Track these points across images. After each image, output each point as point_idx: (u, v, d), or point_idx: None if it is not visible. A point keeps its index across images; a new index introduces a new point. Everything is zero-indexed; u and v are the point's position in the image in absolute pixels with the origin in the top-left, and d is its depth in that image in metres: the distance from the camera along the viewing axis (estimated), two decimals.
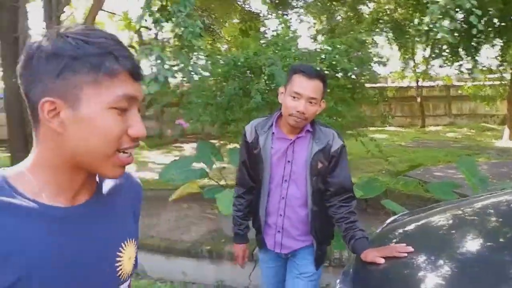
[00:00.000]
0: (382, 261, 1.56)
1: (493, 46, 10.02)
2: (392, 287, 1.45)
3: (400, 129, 14.84)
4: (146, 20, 4.39)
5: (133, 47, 14.36)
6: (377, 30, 10.47)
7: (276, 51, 4.17)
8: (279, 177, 1.91)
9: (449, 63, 11.58)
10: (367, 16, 10.82)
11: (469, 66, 11.11)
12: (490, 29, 7.62)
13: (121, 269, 0.83)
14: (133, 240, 0.88)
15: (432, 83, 15.90)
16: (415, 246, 1.54)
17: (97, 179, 0.84)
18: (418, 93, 15.67)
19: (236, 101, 4.25)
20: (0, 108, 14.44)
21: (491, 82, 13.76)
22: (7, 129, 7.35)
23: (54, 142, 0.73)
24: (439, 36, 5.72)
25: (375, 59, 5.50)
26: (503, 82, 12.68)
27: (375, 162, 8.00)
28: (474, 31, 5.14)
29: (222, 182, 4.45)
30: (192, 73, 4.34)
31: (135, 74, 0.74)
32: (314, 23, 13.34)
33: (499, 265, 1.37)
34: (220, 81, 4.34)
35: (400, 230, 1.86)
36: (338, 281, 1.70)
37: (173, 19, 4.06)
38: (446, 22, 4.64)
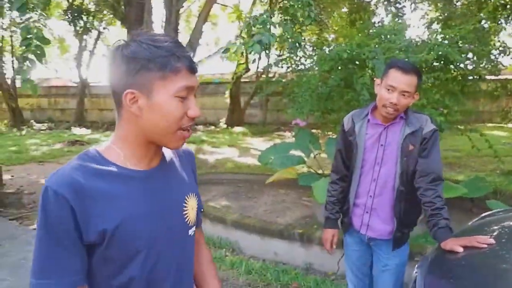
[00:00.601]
0: (461, 250, 1.59)
1: None
2: (468, 276, 1.45)
3: None
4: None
5: (243, 37, 15.01)
6: (501, 16, 9.42)
7: (381, 43, 4.09)
8: (372, 160, 2.03)
9: None
10: (489, 2, 9.78)
11: None
12: None
13: (187, 217, 1.08)
14: (194, 194, 1.12)
15: None
16: (500, 240, 1.50)
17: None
18: None
19: (337, 91, 4.29)
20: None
21: None
22: None
23: (133, 123, 0.97)
24: None
25: (496, 50, 5.03)
26: None
27: (487, 161, 7.37)
28: None
29: (319, 171, 4.55)
30: (298, 50, 4.45)
31: (192, 69, 0.96)
32: (429, 10, 12.50)
33: None
34: (324, 72, 4.40)
35: (492, 225, 1.82)
36: (416, 266, 1.74)
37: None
38: None
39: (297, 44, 4.68)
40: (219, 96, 15.81)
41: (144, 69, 0.92)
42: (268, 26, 3.86)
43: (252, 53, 3.67)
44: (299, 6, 4.32)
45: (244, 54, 14.38)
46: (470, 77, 4.60)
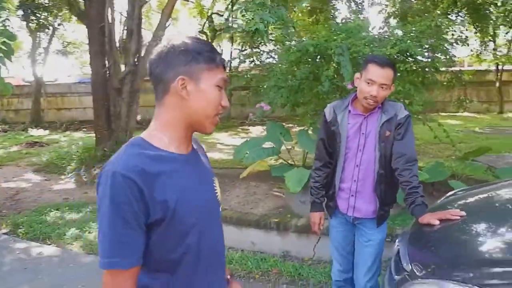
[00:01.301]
0: (437, 222, 1.81)
1: None
2: (441, 246, 1.63)
3: (475, 115, 14.11)
4: None
5: (204, 33, 15.00)
6: (453, 13, 9.96)
7: (347, 38, 4.27)
8: (355, 147, 2.21)
9: None
10: None
11: None
12: None
13: (217, 195, 1.23)
14: (215, 177, 1.27)
15: None
16: (469, 215, 1.70)
17: None
18: (497, 78, 14.70)
19: (306, 84, 4.44)
20: (83, 92, 15.85)
21: None
22: (93, 110, 8.16)
23: (178, 108, 1.10)
24: None
25: (452, 40, 5.36)
26: None
27: (444, 148, 7.81)
28: None
29: (290, 162, 4.70)
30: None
31: (225, 65, 1.16)
32: (386, 5, 12.95)
33: None
34: (292, 65, 4.54)
35: (458, 201, 2.07)
36: (397, 240, 1.91)
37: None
38: None
39: (292, 28, 4.74)
40: None
41: (194, 61, 1.08)
42: (266, 9, 3.91)
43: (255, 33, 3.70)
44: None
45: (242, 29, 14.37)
46: (427, 70, 4.89)
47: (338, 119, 2.23)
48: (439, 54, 4.92)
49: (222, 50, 15.67)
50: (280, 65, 4.87)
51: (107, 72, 7.49)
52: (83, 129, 14.26)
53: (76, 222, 4.76)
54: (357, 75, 2.20)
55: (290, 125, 8.39)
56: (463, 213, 1.81)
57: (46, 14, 14.28)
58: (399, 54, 4.18)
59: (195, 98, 1.09)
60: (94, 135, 8.24)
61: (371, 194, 2.22)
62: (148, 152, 1.06)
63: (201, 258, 1.12)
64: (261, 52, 5.28)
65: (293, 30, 4.28)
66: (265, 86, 4.49)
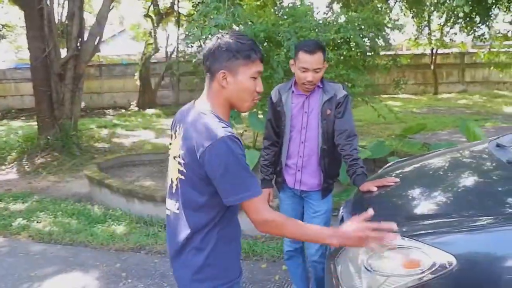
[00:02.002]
0: (375, 189, 2.06)
1: (507, 11, 9.91)
2: (376, 207, 1.87)
3: (413, 96, 14.97)
4: None
5: (149, 16, 14.61)
6: None
7: (293, 23, 4.41)
8: (299, 125, 2.38)
9: (464, 30, 11.51)
10: None
11: (485, 32, 11.04)
12: None
13: None
14: None
15: (447, 51, 15.79)
16: (402, 181, 1.94)
17: None
18: (432, 61, 15.64)
19: None
20: (20, 78, 14.95)
21: (506, 49, 13.65)
22: (34, 97, 7.77)
23: (221, 93, 1.42)
24: (454, 4, 5.79)
25: (389, 25, 5.67)
26: None
27: (385, 128, 8.31)
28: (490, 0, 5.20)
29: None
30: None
31: (262, 59, 1.44)
32: None
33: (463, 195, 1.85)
34: None
35: (394, 171, 2.36)
36: (341, 207, 2.12)
37: None
38: None
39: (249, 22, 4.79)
40: (128, 78, 15.18)
41: (233, 58, 1.38)
42: (222, 10, 4.04)
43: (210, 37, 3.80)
44: None
45: (154, 33, 14.01)
46: (369, 54, 5.18)
47: (283, 100, 2.40)
48: (380, 39, 5.22)
49: (168, 34, 15.34)
50: None
51: (47, 57, 7.14)
52: (22, 118, 13.49)
53: (22, 212, 4.61)
54: (291, 62, 2.37)
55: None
56: (397, 179, 2.07)
57: None
58: (342, 40, 4.39)
59: (233, 87, 1.40)
60: (34, 123, 7.88)
61: (315, 168, 2.40)
62: (224, 122, 1.38)
63: None
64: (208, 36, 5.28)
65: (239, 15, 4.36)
66: None
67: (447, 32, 13.34)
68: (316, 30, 4.32)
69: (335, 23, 4.49)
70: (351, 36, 4.15)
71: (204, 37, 4.64)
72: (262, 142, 2.62)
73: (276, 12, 4.84)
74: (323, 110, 2.31)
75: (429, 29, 14.63)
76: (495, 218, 1.50)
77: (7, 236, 4.04)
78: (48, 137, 7.11)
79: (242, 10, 4.38)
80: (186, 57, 12.77)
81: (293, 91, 2.39)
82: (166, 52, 15.11)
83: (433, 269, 1.37)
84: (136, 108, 13.86)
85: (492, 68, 14.49)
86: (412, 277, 1.39)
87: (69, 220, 4.33)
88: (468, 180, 1.95)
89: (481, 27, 10.36)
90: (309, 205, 2.48)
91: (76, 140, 7.47)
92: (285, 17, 4.44)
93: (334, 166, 2.45)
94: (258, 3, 6.07)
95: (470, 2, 5.12)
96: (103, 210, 4.59)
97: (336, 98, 2.31)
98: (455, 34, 12.88)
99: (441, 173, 2.19)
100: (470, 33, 10.97)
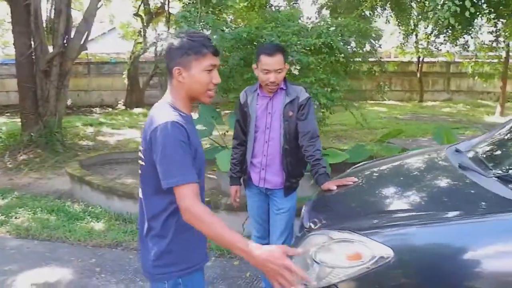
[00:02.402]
0: (334, 187, 2.21)
1: (489, 21, 10.13)
2: (333, 206, 1.97)
3: (399, 103, 15.19)
4: None
5: (139, 16, 14.59)
6: (379, 6, 10.64)
7: (276, 27, 4.50)
8: (263, 125, 2.50)
9: (449, 40, 11.73)
10: None
11: (470, 43, 11.27)
12: (485, 3, 7.74)
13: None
14: None
15: (433, 60, 16.07)
16: (363, 181, 2.04)
17: None
18: (418, 69, 15.90)
19: (237, 70, 4.62)
20: (6, 74, 14.80)
21: (490, 60, 13.95)
22: (19, 93, 7.73)
23: (180, 87, 1.52)
24: (439, 15, 5.91)
25: (372, 33, 5.78)
26: (500, 60, 12.90)
27: (368, 133, 8.43)
28: (468, 4, 5.32)
29: (223, 145, 4.87)
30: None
31: (215, 53, 1.52)
32: None
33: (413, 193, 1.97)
34: (225, 51, 4.68)
35: (360, 172, 2.48)
36: (304, 206, 2.21)
37: None
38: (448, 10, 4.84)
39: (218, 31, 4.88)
40: (116, 76, 15.15)
41: (185, 54, 1.49)
42: (189, 19, 4.20)
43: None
44: None
45: (143, 34, 13.99)
46: (352, 60, 5.29)
47: (249, 101, 2.52)
48: (364, 45, 5.32)
49: (158, 34, 15.32)
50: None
51: (33, 53, 7.13)
52: (6, 114, 13.36)
53: (1, 208, 4.60)
54: (254, 66, 2.50)
55: (227, 111, 8.57)
56: (355, 179, 2.21)
57: None
58: (324, 45, 4.48)
59: (188, 81, 1.50)
60: (18, 120, 7.84)
61: (279, 167, 2.50)
62: (179, 113, 1.49)
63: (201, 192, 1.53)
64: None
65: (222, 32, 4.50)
66: None
67: (433, 42, 13.58)
68: (299, 34, 4.41)
69: (318, 27, 4.58)
70: (332, 42, 4.24)
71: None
72: (232, 142, 2.74)
73: (260, 16, 4.92)
74: (285, 112, 2.42)
75: (416, 37, 14.89)
76: (429, 216, 1.61)
77: None
78: (32, 134, 7.09)
79: (213, 19, 4.50)
80: None
81: (258, 93, 2.51)
82: (155, 52, 15.10)
83: (373, 260, 1.47)
84: (124, 107, 13.83)
85: (476, 78, 14.78)
86: (354, 268, 1.49)
87: (48, 216, 4.34)
88: (416, 182, 2.08)
89: (464, 37, 10.57)
90: (273, 202, 2.58)
91: (60, 137, 7.45)
92: (270, 21, 4.52)
93: (297, 166, 2.54)
94: (246, 3, 6.15)
95: (454, 14, 5.23)
96: (83, 207, 4.61)
97: (299, 101, 2.42)
98: (441, 43, 13.11)
99: (396, 174, 2.33)
100: (453, 43, 11.18)
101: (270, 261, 1.24)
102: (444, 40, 11.84)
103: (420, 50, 14.68)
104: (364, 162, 2.84)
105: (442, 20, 5.51)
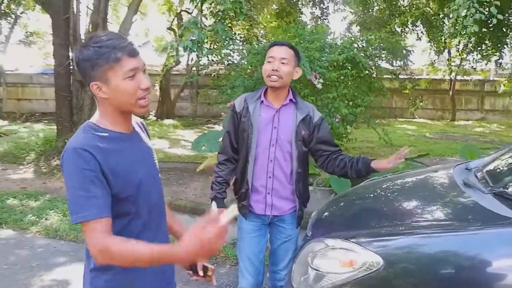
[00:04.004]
0: (390, 165, 2.04)
1: None
2: (332, 219, 2.04)
3: (429, 121, 14.91)
4: None
5: (172, 29, 15.07)
6: (409, 23, 10.61)
7: (301, 43, 4.60)
8: (267, 141, 2.15)
9: (482, 56, 11.49)
10: (402, 8, 10.90)
11: (504, 61, 11.01)
12: None
13: (157, 165, 1.46)
14: (153, 151, 1.50)
15: (466, 78, 15.76)
16: (367, 194, 2.10)
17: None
18: (450, 87, 15.62)
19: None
20: (46, 83, 15.54)
21: None
22: (56, 101, 8.13)
23: (106, 102, 1.30)
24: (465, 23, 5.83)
25: (403, 50, 5.79)
26: None
27: (395, 151, 8.25)
28: (495, 21, 5.22)
29: None
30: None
31: (132, 53, 1.25)
32: (351, 12, 13.50)
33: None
34: (252, 65, 4.81)
35: (368, 186, 2.58)
36: (310, 218, 2.27)
37: None
38: (472, 17, 4.73)
39: (228, 39, 5.06)
40: None
41: (96, 66, 1.24)
42: (199, 25, 4.25)
43: (188, 49, 4.00)
44: (230, 3, 4.71)
45: (177, 50, 14.43)
46: (377, 76, 5.32)
47: (250, 110, 2.16)
48: (397, 62, 5.34)
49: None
50: (245, 62, 5.14)
51: (71, 64, 7.51)
52: (44, 121, 14.02)
53: (33, 209, 4.85)
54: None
55: None
56: (408, 149, 2.08)
57: (8, 1, 13.94)
58: (347, 61, 4.55)
59: (112, 95, 1.26)
60: (55, 127, 8.23)
61: (288, 191, 2.19)
62: (99, 133, 1.28)
63: (148, 217, 1.36)
64: (232, 52, 5.48)
65: (230, 40, 4.64)
66: (231, 86, 4.74)
67: (465, 58, 13.34)
68: (322, 50, 4.49)
69: (341, 45, 4.65)
70: (355, 57, 4.30)
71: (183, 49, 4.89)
72: (217, 156, 2.34)
73: (286, 32, 5.04)
74: (298, 130, 2.14)
75: (449, 54, 14.67)
76: (419, 227, 1.69)
77: (16, 230, 4.27)
78: (66, 141, 7.40)
79: (223, 28, 4.60)
80: (205, 70, 13.13)
81: (262, 101, 2.17)
82: (187, 65, 15.51)
83: (364, 267, 1.53)
84: (155, 118, 14.23)
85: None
86: (347, 274, 1.55)
87: None
88: (416, 196, 2.14)
89: (497, 54, 10.34)
90: (279, 230, 2.26)
91: None
92: (293, 36, 4.63)
93: (307, 190, 2.29)
94: (273, 24, 6.30)
95: (479, 21, 5.12)
96: None
97: (313, 121, 2.17)
98: (476, 61, 12.85)
99: (398, 189, 2.38)
100: (486, 59, 10.96)
101: (198, 245, 1.12)
102: (477, 55, 11.61)
103: (452, 68, 14.46)
104: (375, 177, 2.87)
105: (466, 28, 5.39)
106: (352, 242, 1.60)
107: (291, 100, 2.19)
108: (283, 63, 2.10)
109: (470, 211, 1.79)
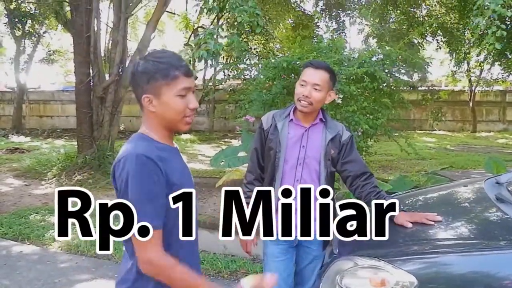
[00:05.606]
0: (411, 225, 1.85)
1: None
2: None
3: (449, 133, 14.66)
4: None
5: (190, 45, 15.29)
6: (428, 35, 10.52)
7: (318, 57, 4.58)
8: (294, 160, 2.10)
9: (504, 69, 11.31)
10: (420, 19, 10.83)
11: None
12: None
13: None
14: None
15: (487, 88, 15.49)
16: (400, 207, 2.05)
17: None
18: (471, 98, 15.37)
19: (280, 98, 4.72)
20: (66, 100, 15.90)
21: None
22: (76, 118, 8.29)
23: (153, 116, 1.34)
24: (485, 41, 5.77)
25: (421, 62, 5.72)
26: None
27: (415, 163, 8.20)
28: None
29: None
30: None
31: (188, 73, 1.32)
32: (367, 25, 13.49)
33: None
34: (269, 80, 4.81)
35: (401, 199, 2.40)
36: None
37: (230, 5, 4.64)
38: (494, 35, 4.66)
39: (243, 52, 5.08)
40: None
41: (152, 79, 1.30)
42: (215, 36, 4.27)
43: (202, 59, 4.03)
44: (247, 15, 4.76)
45: (192, 61, 14.63)
46: (396, 88, 5.25)
47: (278, 127, 2.12)
48: (413, 73, 5.26)
49: (206, 63, 15.95)
50: (262, 77, 5.15)
51: (91, 81, 7.66)
52: (65, 137, 14.30)
53: (54, 226, 4.89)
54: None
55: None
56: (440, 218, 1.87)
57: (32, 21, 14.39)
58: (366, 74, 4.50)
59: (160, 110, 1.31)
60: (76, 143, 8.36)
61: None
62: (153, 143, 1.32)
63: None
64: (249, 67, 5.49)
65: (244, 52, 4.66)
66: (249, 100, 4.75)
67: (483, 69, 13.13)
68: (341, 64, 4.46)
69: (359, 58, 4.61)
70: (374, 71, 4.25)
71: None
72: (245, 175, 2.28)
73: (302, 46, 5.04)
74: (328, 150, 2.08)
75: (468, 65, 14.47)
76: (453, 246, 1.61)
77: (38, 246, 4.31)
78: (86, 156, 7.53)
79: (239, 40, 4.61)
80: (222, 85, 13.25)
81: (291, 119, 2.13)
82: (204, 80, 15.68)
83: (397, 287, 1.46)
84: None
85: None
86: None
87: None
88: (447, 212, 2.03)
89: None
90: (306, 251, 2.19)
91: (112, 160, 7.83)
92: (311, 50, 4.61)
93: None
94: (294, 36, 6.31)
95: (501, 39, 5.05)
96: None
97: (342, 139, 2.11)
98: (498, 73, 12.63)
99: (429, 205, 2.30)
100: (508, 72, 10.76)
101: None
102: (499, 65, 11.42)
103: (472, 79, 14.25)
104: (403, 191, 2.79)
105: (489, 47, 5.30)
106: (383, 260, 1.55)
107: (320, 119, 2.14)
108: (315, 89, 2.04)
109: (506, 227, 1.71)
